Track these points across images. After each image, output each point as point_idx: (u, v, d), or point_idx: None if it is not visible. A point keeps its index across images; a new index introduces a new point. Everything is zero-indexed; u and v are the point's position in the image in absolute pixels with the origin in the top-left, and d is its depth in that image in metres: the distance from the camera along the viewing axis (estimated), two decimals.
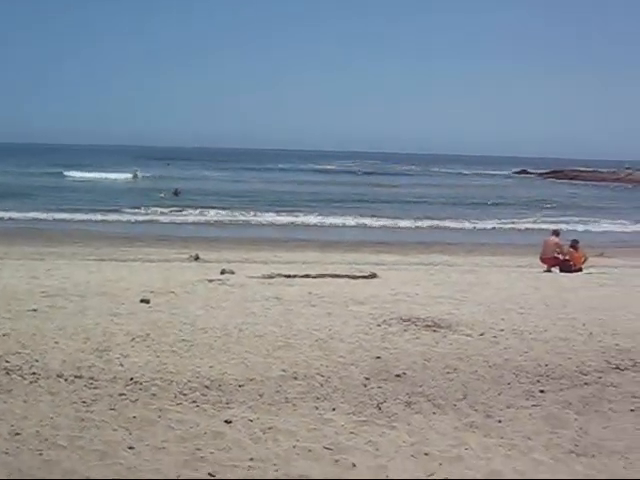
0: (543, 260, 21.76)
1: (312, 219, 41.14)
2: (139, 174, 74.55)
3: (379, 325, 11.09)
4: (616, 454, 6.13)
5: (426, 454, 5.97)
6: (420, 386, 8.00)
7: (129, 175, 73.59)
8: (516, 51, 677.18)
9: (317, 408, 7.19)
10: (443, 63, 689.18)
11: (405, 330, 10.82)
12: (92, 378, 8.03)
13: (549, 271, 20.92)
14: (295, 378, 8.18)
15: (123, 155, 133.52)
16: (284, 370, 8.47)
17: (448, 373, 8.57)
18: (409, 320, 11.47)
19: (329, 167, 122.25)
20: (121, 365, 8.53)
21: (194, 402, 7.38)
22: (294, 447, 6.07)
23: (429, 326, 11.13)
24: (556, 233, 22.53)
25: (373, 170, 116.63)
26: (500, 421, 6.91)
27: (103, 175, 72.37)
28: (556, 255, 21.53)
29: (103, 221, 36.89)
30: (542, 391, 7.93)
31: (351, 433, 6.44)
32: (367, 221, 40.74)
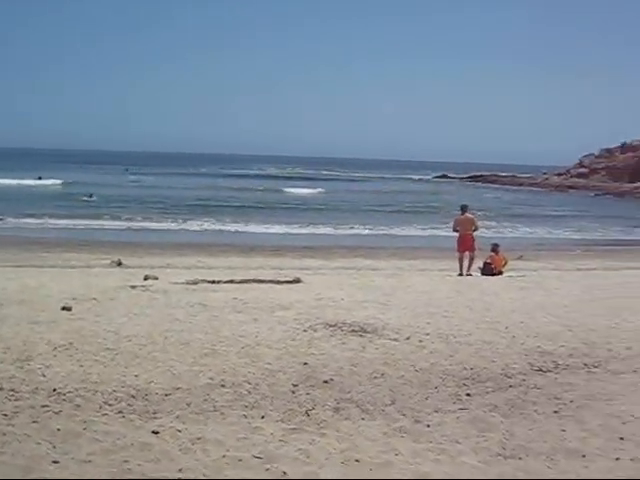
0: (463, 238, 21.77)
1: (235, 225, 40.96)
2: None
3: (305, 330, 11.07)
4: (542, 455, 6.23)
5: (357, 460, 5.96)
6: (348, 392, 8.00)
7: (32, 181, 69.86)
8: (438, 54, 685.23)
9: (246, 416, 7.12)
10: (367, 66, 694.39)
11: (331, 335, 10.82)
12: (13, 390, 7.77)
13: (467, 276, 21.21)
14: (223, 386, 8.08)
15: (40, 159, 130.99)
16: (211, 378, 8.36)
17: (375, 378, 8.59)
18: (335, 325, 11.47)
19: (251, 172, 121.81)
20: (43, 375, 8.29)
21: (120, 412, 7.22)
22: (224, 457, 5.98)
23: (355, 331, 11.16)
24: (464, 209, 22.58)
25: (297, 175, 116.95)
26: (428, 425, 6.96)
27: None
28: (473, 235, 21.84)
29: (17, 227, 35.92)
30: (468, 394, 8.02)
31: (281, 441, 6.39)
32: (290, 228, 40.70)
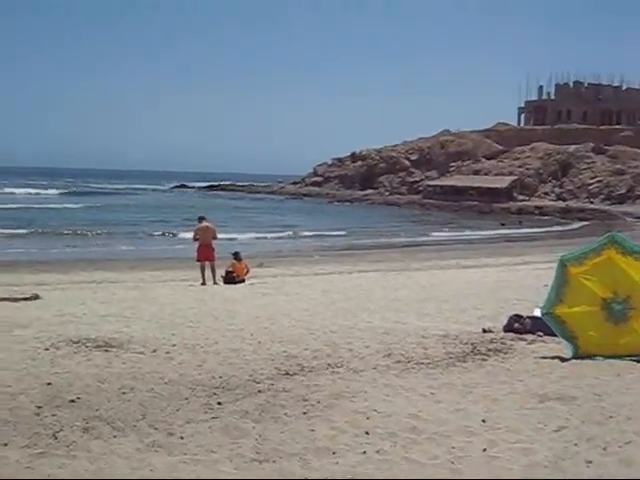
0: (203, 247, 21.86)
1: None
2: None
3: (47, 349, 10.61)
4: (295, 456, 6.38)
5: None
6: (97, 410, 7.74)
7: None
8: (162, 66, 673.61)
9: None
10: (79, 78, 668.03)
11: (75, 352, 10.46)
12: None
13: (214, 285, 21.34)
14: None
15: None
16: None
17: (124, 393, 8.39)
18: (79, 342, 11.10)
19: None
20: None
21: None
22: None
23: (100, 346, 10.87)
24: (202, 218, 22.79)
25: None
26: (182, 437, 6.90)
27: None
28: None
29: None
30: (219, 403, 8.05)
31: (27, 468, 6.04)
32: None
